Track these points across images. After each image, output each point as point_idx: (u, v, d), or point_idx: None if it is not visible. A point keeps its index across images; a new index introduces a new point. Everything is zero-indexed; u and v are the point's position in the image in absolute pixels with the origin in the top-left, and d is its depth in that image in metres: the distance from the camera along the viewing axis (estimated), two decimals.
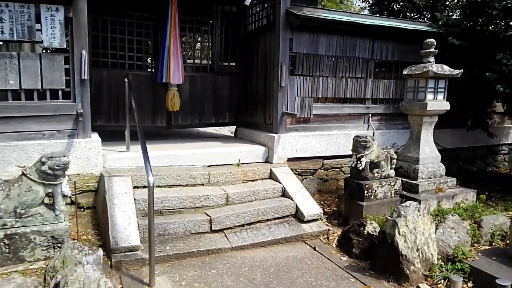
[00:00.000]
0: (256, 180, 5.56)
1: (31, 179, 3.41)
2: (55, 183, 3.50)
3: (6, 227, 3.45)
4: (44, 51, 5.95)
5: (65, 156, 3.47)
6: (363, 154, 5.09)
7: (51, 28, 4.39)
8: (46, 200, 3.70)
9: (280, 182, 5.43)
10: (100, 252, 3.12)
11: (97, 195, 4.87)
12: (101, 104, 6.31)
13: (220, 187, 5.12)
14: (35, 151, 4.39)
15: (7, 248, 3.44)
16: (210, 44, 7.57)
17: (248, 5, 5.59)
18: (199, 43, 7.74)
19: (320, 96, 6.19)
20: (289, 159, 5.93)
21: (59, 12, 4.41)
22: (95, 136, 5.01)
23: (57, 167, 3.40)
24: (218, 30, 7.32)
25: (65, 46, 4.53)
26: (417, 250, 3.84)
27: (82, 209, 4.83)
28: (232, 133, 7.74)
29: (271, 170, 5.65)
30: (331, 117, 6.35)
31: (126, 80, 5.14)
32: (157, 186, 4.84)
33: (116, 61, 6.46)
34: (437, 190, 5.57)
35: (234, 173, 5.38)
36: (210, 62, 7.38)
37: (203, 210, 4.74)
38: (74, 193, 4.48)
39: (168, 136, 7.29)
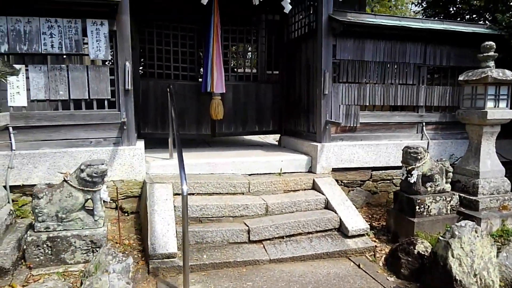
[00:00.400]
0: (298, 190, 5.37)
1: (71, 185, 3.54)
2: (93, 189, 3.59)
3: (49, 230, 3.60)
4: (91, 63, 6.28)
5: (103, 164, 3.55)
6: (414, 166, 4.71)
7: (97, 41, 4.59)
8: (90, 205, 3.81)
9: (323, 194, 5.18)
10: (130, 260, 3.12)
11: (140, 201, 4.98)
12: (148, 113, 6.51)
13: (260, 197, 5.00)
14: (83, 158, 4.58)
15: (49, 250, 3.58)
16: (254, 53, 7.55)
17: (287, 12, 5.47)
18: (242, 52, 7.75)
19: (367, 104, 5.88)
20: (334, 170, 5.67)
21: (104, 26, 4.61)
22: (140, 144, 5.14)
23: (95, 175, 3.50)
24: (261, 39, 7.30)
25: (109, 58, 4.73)
26: (475, 275, 3.42)
27: (126, 214, 4.95)
28: (276, 141, 7.63)
29: (314, 180, 5.42)
30: (380, 126, 6.00)
31: (168, 90, 5.23)
32: (197, 193, 4.86)
33: (162, 71, 6.65)
34: (500, 208, 5.00)
35: (275, 183, 5.23)
36: (253, 71, 7.36)
37: (242, 220, 4.64)
38: (117, 199, 4.61)
39: (213, 143, 7.35)
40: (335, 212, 4.89)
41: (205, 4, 5.08)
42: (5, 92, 4.39)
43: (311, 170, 5.69)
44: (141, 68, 6.80)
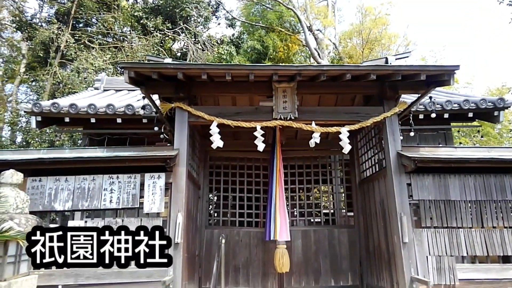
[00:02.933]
0: None
1: None
2: None
3: None
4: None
5: None
6: None
7: (152, 194, 4.64)
8: None
9: None
10: None
11: None
12: (210, 263, 6.07)
13: None
14: None
15: None
16: (325, 194, 7.04)
17: (346, 153, 5.05)
18: (311, 194, 7.28)
19: (465, 254, 4.64)
20: None
21: (161, 179, 4.71)
22: None
23: None
24: (333, 179, 6.86)
25: (163, 211, 4.66)
26: None
27: None
28: None
29: None
30: (488, 284, 4.56)
31: (221, 240, 4.85)
32: None
33: (227, 219, 6.43)
34: None
35: None
36: (324, 212, 6.70)
37: None
38: None
39: None
40: None
41: (261, 151, 4.99)
42: None
43: None
44: (208, 217, 6.71)
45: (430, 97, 5.06)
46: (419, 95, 4.99)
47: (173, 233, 4.53)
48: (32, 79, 15.44)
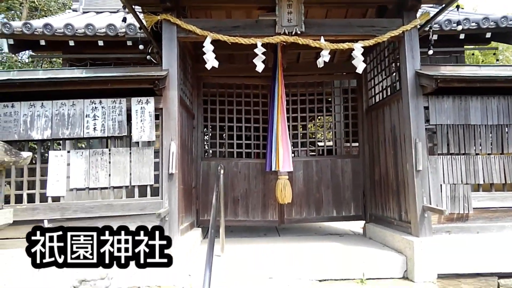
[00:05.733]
0: None
1: None
2: None
3: None
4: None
5: (103, 279, 2.75)
6: None
7: (141, 121, 4.15)
8: None
9: None
10: None
11: None
12: (208, 195, 5.80)
13: None
14: None
15: None
16: (328, 123, 6.61)
17: (360, 72, 4.50)
18: (314, 123, 6.85)
19: (482, 182, 4.34)
20: (441, 276, 4.07)
21: (149, 104, 4.18)
22: (188, 237, 4.32)
23: None
24: (337, 107, 6.38)
25: (154, 139, 4.21)
26: None
27: None
28: (362, 228, 6.16)
29: None
30: (503, 213, 4.33)
31: (220, 170, 4.47)
32: None
33: (224, 150, 6.05)
34: None
35: None
36: (327, 144, 6.30)
37: None
38: None
39: (284, 231, 6.24)
40: None
41: (260, 71, 4.42)
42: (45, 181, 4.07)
43: (406, 275, 4.16)
44: (204, 149, 6.31)
45: (458, 6, 4.41)
46: (444, 5, 4.34)
47: (167, 163, 4.12)
48: (6, 6, 14.20)
